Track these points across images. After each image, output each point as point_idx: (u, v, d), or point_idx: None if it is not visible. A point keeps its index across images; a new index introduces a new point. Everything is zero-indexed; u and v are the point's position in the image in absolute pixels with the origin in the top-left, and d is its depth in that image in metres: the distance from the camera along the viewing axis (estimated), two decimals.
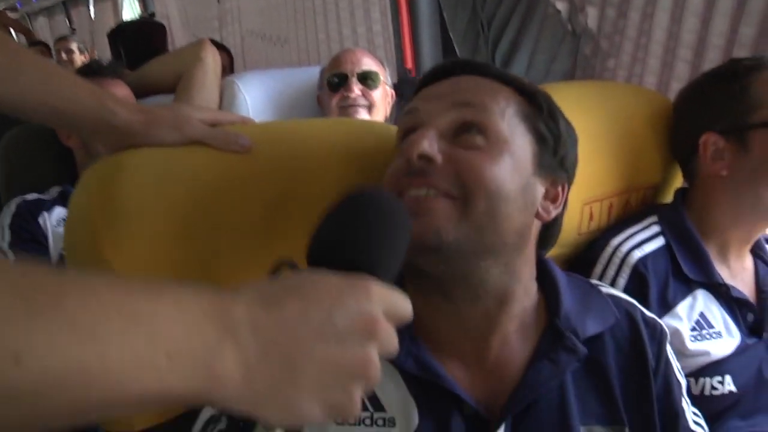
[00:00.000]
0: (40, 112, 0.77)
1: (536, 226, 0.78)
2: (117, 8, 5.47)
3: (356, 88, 1.74)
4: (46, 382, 0.35)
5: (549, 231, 0.81)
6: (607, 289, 0.86)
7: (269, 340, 0.44)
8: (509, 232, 0.72)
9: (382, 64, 1.88)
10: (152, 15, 4.35)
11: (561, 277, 0.81)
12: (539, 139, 0.76)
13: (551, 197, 0.78)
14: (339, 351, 0.45)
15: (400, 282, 0.76)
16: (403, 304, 0.51)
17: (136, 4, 4.75)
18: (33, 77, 0.75)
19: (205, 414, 0.73)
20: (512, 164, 0.72)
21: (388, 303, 0.49)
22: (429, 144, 0.70)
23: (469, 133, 0.72)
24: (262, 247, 0.82)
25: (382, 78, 1.79)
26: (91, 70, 1.64)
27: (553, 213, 0.78)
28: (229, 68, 2.45)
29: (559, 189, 0.79)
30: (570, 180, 0.82)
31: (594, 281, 0.87)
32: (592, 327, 0.76)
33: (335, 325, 0.45)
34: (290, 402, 0.45)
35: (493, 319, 0.74)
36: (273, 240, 0.83)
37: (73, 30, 6.68)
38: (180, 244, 0.77)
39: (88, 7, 6.20)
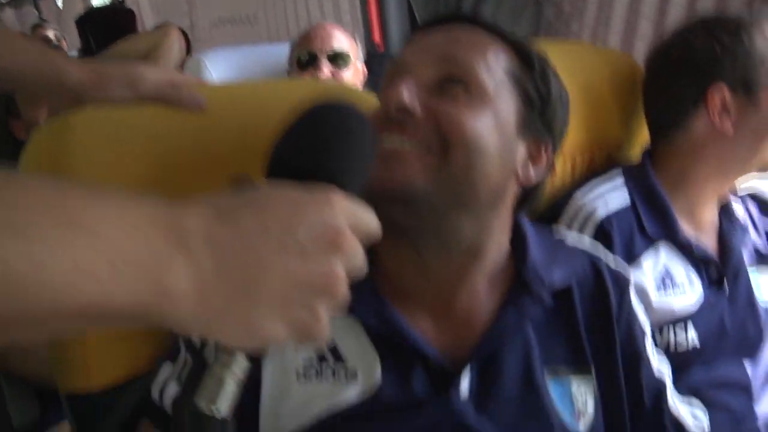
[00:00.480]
0: None
1: (515, 187, 0.77)
2: None
3: (326, 69, 1.72)
4: None
5: (529, 193, 0.80)
6: (572, 241, 0.86)
7: (225, 254, 0.40)
8: (484, 189, 0.71)
9: (354, 37, 1.85)
10: (122, 1, 4.28)
11: (530, 229, 0.81)
12: (526, 100, 0.75)
13: (533, 159, 0.77)
14: (301, 265, 0.42)
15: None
16: (368, 218, 0.47)
17: None
18: None
19: (165, 371, 0.72)
20: (494, 121, 0.71)
21: (352, 216, 0.45)
22: (408, 95, 0.69)
23: (452, 86, 0.71)
24: None
25: (352, 58, 1.77)
26: None
27: (534, 176, 0.77)
28: (186, 51, 2.42)
29: (543, 152, 0.78)
30: (556, 144, 0.80)
31: (561, 234, 0.88)
32: (559, 278, 0.77)
33: (297, 238, 0.42)
34: (250, 320, 0.42)
35: (463, 272, 0.74)
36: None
37: (42, 20, 6.57)
38: None
39: None
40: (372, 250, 0.74)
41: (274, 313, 0.42)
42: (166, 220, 0.39)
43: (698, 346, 1.07)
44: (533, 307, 0.74)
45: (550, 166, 0.80)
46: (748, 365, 1.14)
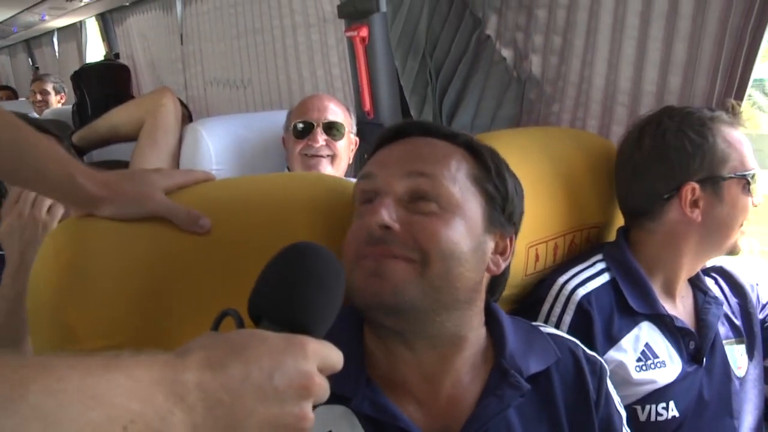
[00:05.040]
0: (13, 180, 0.88)
1: (486, 278, 0.84)
2: (81, 48, 5.48)
3: (321, 139, 1.78)
4: None
5: (498, 280, 0.87)
6: (547, 329, 0.92)
7: (215, 400, 0.49)
8: (463, 290, 0.79)
9: (348, 109, 1.92)
10: (117, 55, 4.37)
11: (506, 320, 0.87)
12: (488, 199, 0.83)
13: (500, 250, 0.85)
14: (277, 409, 0.51)
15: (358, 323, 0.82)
16: (335, 356, 0.57)
17: (102, 44, 4.77)
18: (7, 153, 0.79)
19: None
20: (465, 226, 0.79)
21: (321, 357, 0.55)
22: (388, 214, 0.76)
23: (424, 200, 0.79)
24: (221, 303, 0.85)
25: (347, 128, 1.83)
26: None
27: (503, 265, 0.85)
28: (188, 119, 2.50)
29: (507, 242, 0.85)
30: (517, 232, 0.88)
31: (536, 323, 0.93)
32: (534, 365, 0.83)
33: (275, 386, 0.51)
34: None
35: (448, 362, 0.80)
36: (232, 295, 0.86)
37: (36, 69, 6.65)
38: (139, 306, 0.80)
39: (53, 46, 6.19)
40: (363, 343, 0.80)
41: None
42: (166, 378, 0.48)
43: (678, 416, 1.12)
44: (512, 394, 0.79)
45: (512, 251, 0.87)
46: (731, 428, 1.19)
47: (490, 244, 0.83)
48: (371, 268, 0.75)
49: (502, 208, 0.84)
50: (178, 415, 0.47)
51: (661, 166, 1.17)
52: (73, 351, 0.77)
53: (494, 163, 0.86)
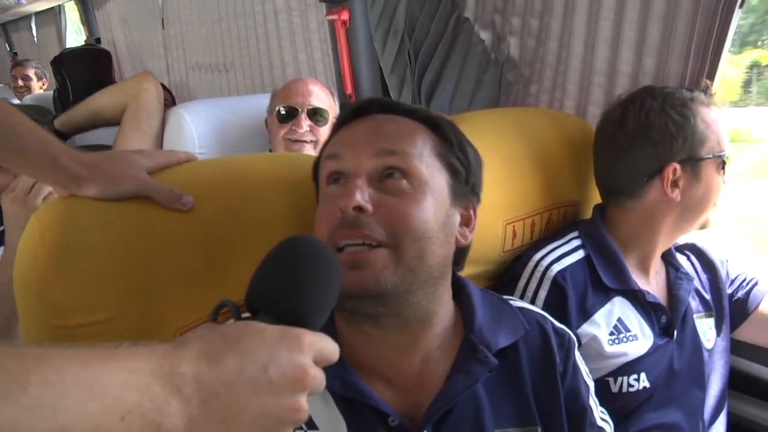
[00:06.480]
0: None
1: (454, 251, 0.86)
2: (60, 33, 5.40)
3: (305, 124, 1.79)
4: None
5: (462, 251, 0.89)
6: (518, 303, 0.95)
7: (210, 392, 0.50)
8: (436, 267, 0.81)
9: (332, 93, 1.93)
10: (98, 40, 4.31)
11: (476, 294, 0.89)
12: (453, 173, 0.85)
13: (465, 222, 0.87)
14: (272, 401, 0.52)
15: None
16: (330, 348, 0.58)
17: (82, 29, 4.70)
18: None
19: None
20: (434, 203, 0.81)
21: (317, 349, 0.56)
22: (361, 195, 0.78)
23: (394, 177, 0.80)
24: (204, 279, 0.88)
25: (331, 114, 1.84)
26: None
27: (469, 237, 0.87)
28: (172, 104, 2.50)
29: (472, 213, 0.88)
30: (479, 201, 0.90)
31: (508, 297, 0.96)
32: (503, 339, 0.85)
33: (270, 378, 0.52)
34: None
35: (417, 340, 0.83)
36: (214, 271, 0.89)
37: (14, 54, 6.54)
38: (123, 281, 0.82)
39: (31, 31, 6.09)
40: (334, 325, 0.82)
41: None
42: (163, 370, 0.49)
43: (648, 386, 1.17)
44: (481, 369, 0.82)
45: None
46: (699, 397, 1.24)
47: (457, 217, 0.85)
48: (350, 262, 0.76)
49: (466, 180, 0.86)
50: (174, 406, 0.48)
51: (645, 145, 1.19)
52: (60, 327, 0.79)
53: (455, 137, 0.87)
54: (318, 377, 0.55)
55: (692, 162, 1.18)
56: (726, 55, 1.34)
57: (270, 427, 0.53)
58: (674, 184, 1.18)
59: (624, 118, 1.22)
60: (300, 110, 1.80)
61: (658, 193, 1.19)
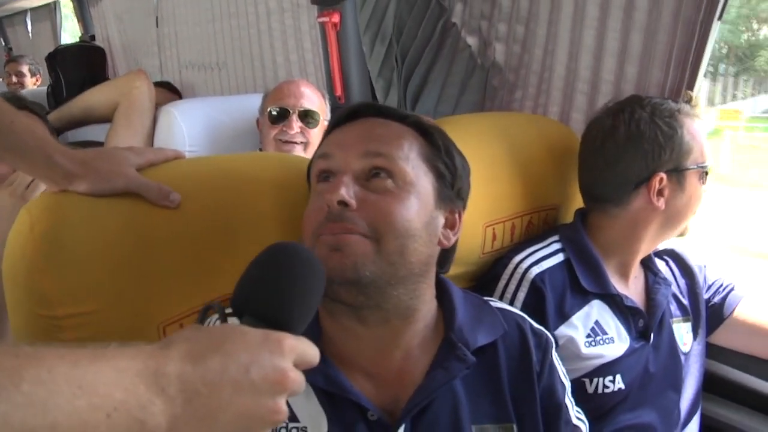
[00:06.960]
0: None
1: (437, 251, 0.89)
2: (56, 29, 5.40)
3: (296, 126, 1.80)
4: None
5: (447, 253, 0.92)
6: (497, 304, 0.97)
7: (193, 391, 0.52)
8: (417, 264, 0.83)
9: (324, 95, 1.94)
10: (92, 37, 4.31)
11: (457, 294, 0.92)
12: (439, 176, 0.88)
13: (450, 225, 0.90)
14: (252, 401, 0.54)
15: None
16: (311, 352, 0.60)
17: (77, 25, 4.70)
18: None
19: None
20: (418, 203, 0.83)
21: (298, 353, 0.58)
22: (346, 191, 0.80)
23: (380, 177, 0.83)
24: (189, 274, 0.90)
25: (322, 116, 1.85)
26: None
27: (453, 239, 0.90)
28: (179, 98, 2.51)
29: (456, 217, 0.91)
30: (464, 207, 0.93)
31: (488, 298, 0.98)
32: (482, 338, 0.88)
33: (251, 379, 0.54)
34: None
35: (399, 336, 0.85)
36: (200, 267, 0.91)
37: (9, 49, 6.52)
38: (110, 274, 0.84)
39: (26, 26, 6.08)
40: (319, 322, 0.85)
41: None
42: (148, 370, 0.52)
43: (624, 388, 1.19)
44: (459, 366, 0.84)
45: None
46: (674, 399, 1.27)
47: (441, 220, 0.88)
48: (331, 243, 0.79)
49: (452, 185, 0.89)
50: (158, 404, 0.51)
51: (636, 154, 1.21)
52: (48, 317, 0.81)
53: (443, 143, 0.90)
54: (297, 380, 0.57)
55: (678, 172, 1.21)
56: (705, 66, 1.37)
57: (249, 426, 0.55)
58: (660, 193, 1.21)
59: (614, 127, 1.23)
60: (291, 112, 1.82)
61: (644, 201, 1.22)
